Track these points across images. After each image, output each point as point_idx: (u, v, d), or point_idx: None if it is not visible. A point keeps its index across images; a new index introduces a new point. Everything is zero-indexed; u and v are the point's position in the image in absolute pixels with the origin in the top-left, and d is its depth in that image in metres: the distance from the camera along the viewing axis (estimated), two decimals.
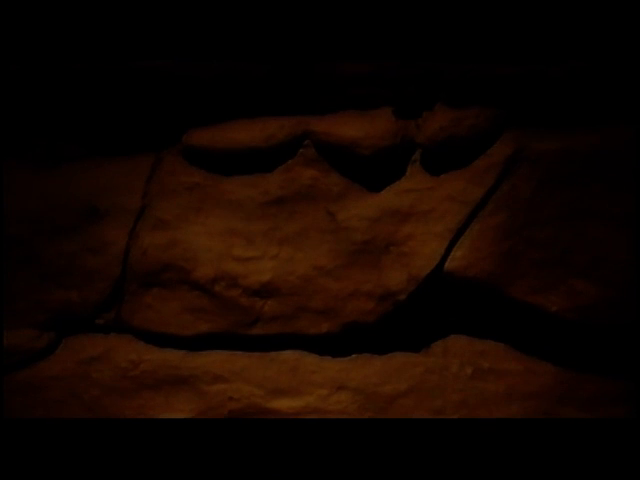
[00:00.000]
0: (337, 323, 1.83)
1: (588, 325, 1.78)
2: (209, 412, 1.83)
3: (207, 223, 1.85)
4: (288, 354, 1.85)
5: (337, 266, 1.83)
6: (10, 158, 1.90)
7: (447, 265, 1.80)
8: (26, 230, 1.90)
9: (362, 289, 1.82)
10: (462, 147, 1.80)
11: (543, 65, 1.75)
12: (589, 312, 1.78)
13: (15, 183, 1.89)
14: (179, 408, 1.84)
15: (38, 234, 1.90)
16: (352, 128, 1.80)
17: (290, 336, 1.84)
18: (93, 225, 1.88)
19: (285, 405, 1.82)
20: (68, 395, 1.86)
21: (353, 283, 1.82)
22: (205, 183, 1.86)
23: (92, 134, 1.90)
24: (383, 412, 1.81)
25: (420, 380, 1.82)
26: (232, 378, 1.83)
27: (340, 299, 1.82)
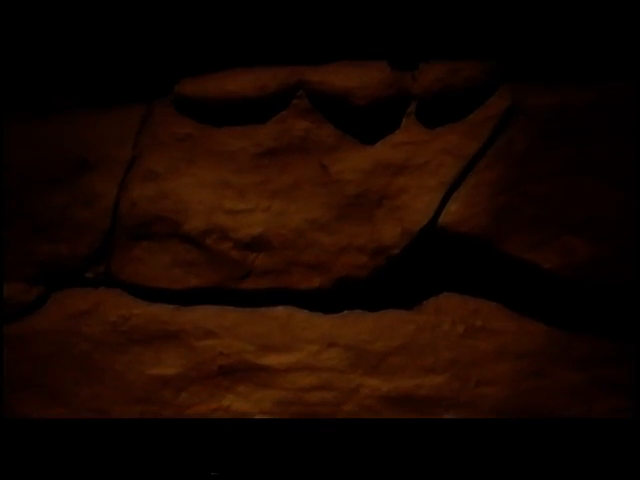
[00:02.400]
0: (329, 278, 1.81)
1: (582, 283, 1.77)
2: (199, 367, 1.81)
3: (198, 175, 1.83)
4: (279, 310, 1.83)
5: (330, 219, 1.80)
6: (9, 112, 1.86)
7: (441, 220, 1.78)
8: (17, 182, 1.88)
9: (355, 243, 1.80)
10: (458, 99, 1.77)
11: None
12: (584, 270, 1.76)
13: (10, 137, 1.86)
14: (169, 363, 1.82)
15: (28, 186, 1.88)
16: (347, 78, 1.77)
17: (281, 291, 1.82)
18: (83, 177, 1.86)
19: (276, 361, 1.80)
20: (57, 349, 1.84)
21: (346, 237, 1.80)
22: (197, 134, 1.84)
23: (82, 85, 1.86)
24: (374, 370, 1.80)
25: (412, 338, 1.80)
26: (222, 333, 1.82)
27: (332, 253, 1.80)
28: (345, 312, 1.83)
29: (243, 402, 1.80)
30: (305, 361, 1.80)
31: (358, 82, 1.76)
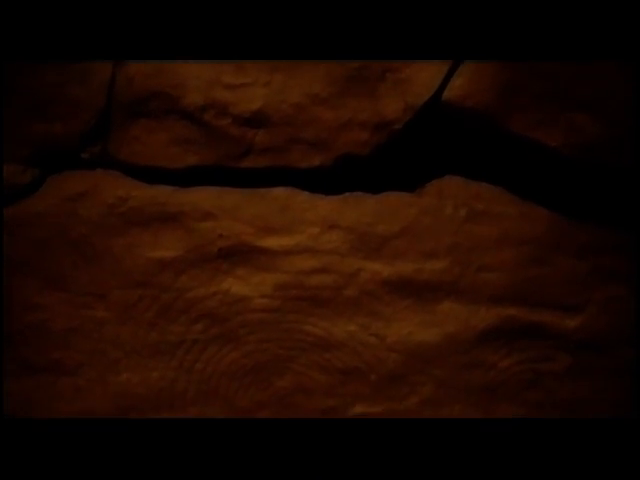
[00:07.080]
0: (330, 156, 1.78)
1: (587, 163, 1.75)
2: (198, 250, 1.79)
3: None
4: (279, 191, 1.80)
5: (331, 94, 1.77)
6: None
7: (445, 94, 1.75)
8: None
9: (357, 119, 1.77)
10: None
11: None
12: (590, 150, 1.74)
13: None
14: (168, 246, 1.81)
15: (21, 63, 1.82)
16: None
17: (281, 170, 1.80)
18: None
19: (276, 243, 1.79)
20: (54, 233, 1.83)
21: (347, 112, 1.77)
22: None
23: None
24: (375, 253, 1.78)
25: (413, 221, 1.78)
26: (222, 215, 1.80)
27: (333, 130, 1.78)
28: (346, 194, 1.81)
29: (243, 286, 1.79)
30: (305, 244, 1.79)
31: None
